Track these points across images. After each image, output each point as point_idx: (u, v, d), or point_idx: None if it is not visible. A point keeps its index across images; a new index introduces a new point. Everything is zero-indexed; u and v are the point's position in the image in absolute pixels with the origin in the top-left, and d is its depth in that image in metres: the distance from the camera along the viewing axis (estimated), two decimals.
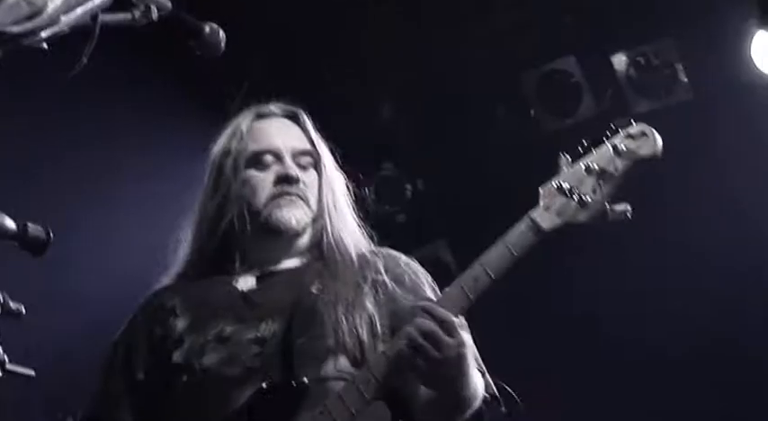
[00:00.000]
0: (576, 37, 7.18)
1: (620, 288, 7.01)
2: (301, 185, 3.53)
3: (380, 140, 7.62)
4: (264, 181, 3.52)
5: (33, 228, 2.39)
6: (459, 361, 3.06)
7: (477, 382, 3.22)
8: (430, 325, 3.03)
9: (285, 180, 3.51)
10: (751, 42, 6.83)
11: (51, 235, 2.40)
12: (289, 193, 3.50)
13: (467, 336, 3.12)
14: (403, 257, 3.57)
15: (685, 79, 7.12)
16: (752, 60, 6.85)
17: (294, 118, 3.67)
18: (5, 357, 2.28)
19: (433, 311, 3.06)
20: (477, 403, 3.25)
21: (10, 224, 2.37)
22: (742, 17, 6.83)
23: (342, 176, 3.66)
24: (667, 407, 6.92)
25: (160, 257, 3.65)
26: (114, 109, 6.14)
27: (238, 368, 3.27)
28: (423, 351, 3.03)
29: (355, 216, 3.64)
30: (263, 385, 3.19)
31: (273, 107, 3.69)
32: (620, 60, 7.19)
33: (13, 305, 2.34)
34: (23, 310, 2.36)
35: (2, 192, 2.63)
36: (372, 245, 3.62)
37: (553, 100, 7.29)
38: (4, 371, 2.28)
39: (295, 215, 3.49)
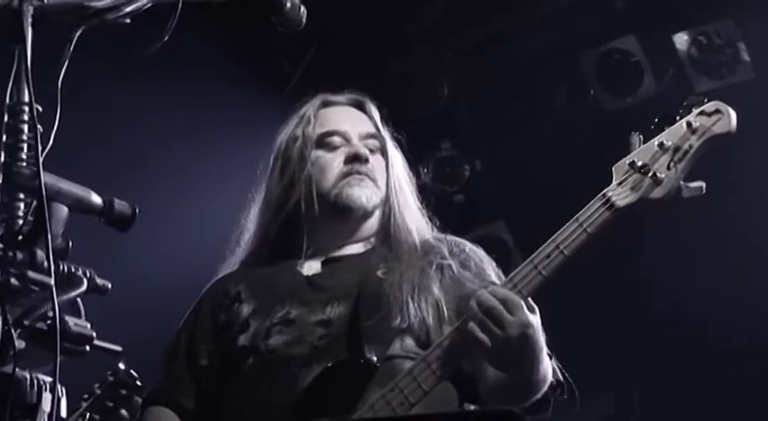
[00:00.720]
0: (637, 16, 7.11)
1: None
2: (370, 166, 3.54)
3: (439, 121, 7.59)
4: (333, 161, 3.54)
5: (119, 204, 2.39)
6: (524, 341, 3.04)
7: (547, 367, 3.19)
8: (492, 301, 3.02)
9: (356, 159, 3.52)
10: None
11: (137, 211, 2.40)
12: (359, 172, 3.51)
13: (534, 319, 3.07)
14: (468, 243, 3.56)
15: (748, 58, 7.03)
16: None
17: (360, 106, 3.70)
18: (93, 333, 2.27)
19: (494, 291, 3.06)
20: (545, 388, 3.23)
21: (96, 200, 2.37)
22: None
23: (405, 164, 3.67)
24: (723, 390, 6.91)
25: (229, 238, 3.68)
26: (183, 84, 6.15)
27: (305, 348, 3.28)
28: (485, 327, 3.02)
29: (419, 203, 3.64)
30: (330, 364, 3.20)
31: (339, 96, 3.71)
32: (681, 39, 7.10)
33: (99, 281, 2.34)
34: (110, 287, 2.35)
35: (87, 169, 2.64)
36: (435, 231, 3.61)
37: (613, 79, 7.22)
38: (92, 346, 2.28)
39: (365, 193, 3.49)
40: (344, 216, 3.51)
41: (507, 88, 7.47)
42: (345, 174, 3.51)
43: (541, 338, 3.10)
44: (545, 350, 3.14)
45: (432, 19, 7.13)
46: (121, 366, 4.66)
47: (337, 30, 6.94)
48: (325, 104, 3.68)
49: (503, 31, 7.22)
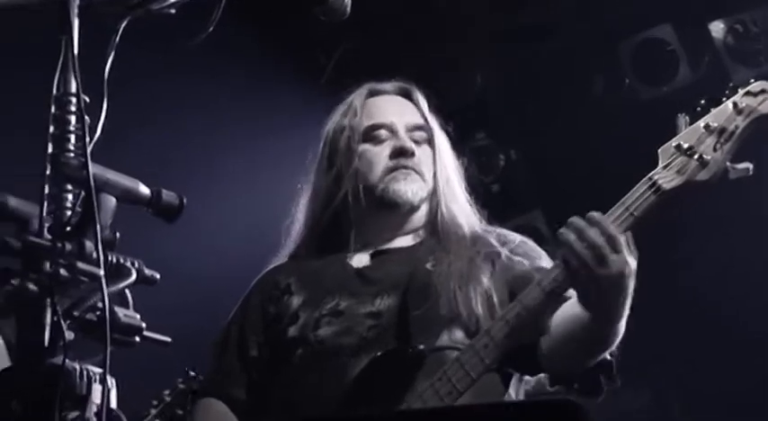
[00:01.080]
0: (673, 5, 7.07)
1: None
2: (416, 159, 3.52)
3: (474, 110, 7.57)
4: (380, 155, 3.53)
5: (167, 195, 2.39)
6: (621, 280, 2.99)
7: (624, 319, 3.12)
8: (596, 237, 2.97)
9: (401, 153, 3.51)
10: None
11: (184, 201, 2.40)
12: (405, 167, 3.50)
13: (633, 261, 3.02)
14: (518, 236, 3.54)
15: None
16: None
17: (407, 95, 3.68)
18: (143, 324, 2.27)
19: (602, 223, 2.99)
20: (615, 344, 3.18)
21: (144, 190, 2.37)
22: None
23: (453, 153, 3.64)
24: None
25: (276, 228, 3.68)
26: (219, 76, 6.15)
27: (354, 338, 3.28)
28: (585, 264, 2.97)
29: (467, 193, 3.62)
30: (378, 353, 3.19)
31: (386, 84, 3.70)
32: (717, 28, 7.06)
33: (147, 272, 2.34)
34: (158, 277, 2.35)
35: (133, 159, 2.64)
36: (484, 222, 3.59)
37: (649, 69, 7.18)
38: (142, 337, 2.27)
39: (411, 188, 3.48)
40: (391, 210, 3.51)
41: (542, 77, 7.44)
42: (391, 169, 3.50)
43: (632, 283, 3.04)
44: (630, 295, 3.07)
45: (466, 8, 7.11)
46: (192, 373, 4.64)
47: (371, 20, 6.92)
48: (372, 93, 3.67)
49: (538, 21, 7.20)
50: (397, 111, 3.62)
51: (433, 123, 3.62)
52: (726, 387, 6.89)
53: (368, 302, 3.33)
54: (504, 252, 3.40)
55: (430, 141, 3.59)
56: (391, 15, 7.01)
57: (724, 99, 3.17)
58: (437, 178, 3.55)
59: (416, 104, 3.65)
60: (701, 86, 6.92)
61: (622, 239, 2.99)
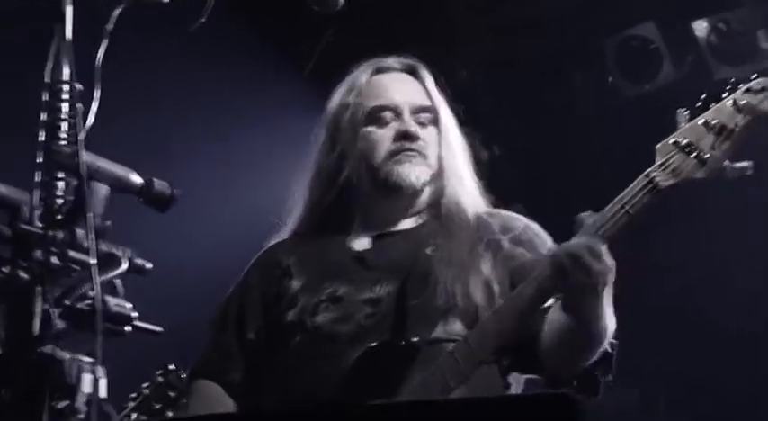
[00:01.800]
0: (657, 3, 7.08)
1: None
2: (421, 142, 3.45)
3: (459, 105, 7.55)
4: (383, 137, 3.46)
5: (159, 184, 2.38)
6: (604, 287, 3.03)
7: (609, 319, 3.14)
8: (579, 249, 2.99)
9: (405, 137, 3.44)
10: None
11: (176, 191, 2.39)
12: (409, 150, 3.43)
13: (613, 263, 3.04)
14: (523, 219, 3.51)
15: (767, 46, 7.00)
16: None
17: (413, 72, 3.60)
18: (134, 313, 2.26)
19: (579, 241, 3.02)
20: (605, 343, 3.20)
21: (136, 179, 2.36)
22: None
23: (461, 134, 3.59)
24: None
25: (260, 217, 3.66)
26: (209, 65, 6.13)
27: (351, 326, 3.26)
28: (572, 276, 2.99)
29: (473, 175, 3.57)
30: (373, 344, 3.17)
31: (392, 61, 3.61)
32: (700, 27, 7.07)
33: (139, 261, 2.33)
34: (149, 267, 2.34)
35: (127, 149, 2.62)
36: (490, 206, 3.56)
37: (632, 66, 7.18)
38: (133, 327, 2.27)
39: (415, 171, 3.42)
40: (394, 193, 3.45)
41: (525, 73, 7.43)
42: (394, 152, 3.43)
43: (611, 284, 3.06)
44: (611, 297, 3.10)
45: (450, 4, 7.10)
46: (171, 367, 4.60)
47: (354, 11, 6.90)
48: (378, 71, 3.58)
49: (522, 17, 7.18)
50: (402, 90, 3.53)
51: (440, 103, 3.55)
52: (713, 384, 6.91)
53: (367, 289, 3.31)
54: (507, 241, 3.36)
55: (436, 121, 3.52)
56: (374, 8, 6.99)
57: (724, 95, 3.12)
58: (442, 159, 3.47)
59: (423, 83, 3.57)
60: (684, 85, 6.94)
61: (602, 248, 3.01)
